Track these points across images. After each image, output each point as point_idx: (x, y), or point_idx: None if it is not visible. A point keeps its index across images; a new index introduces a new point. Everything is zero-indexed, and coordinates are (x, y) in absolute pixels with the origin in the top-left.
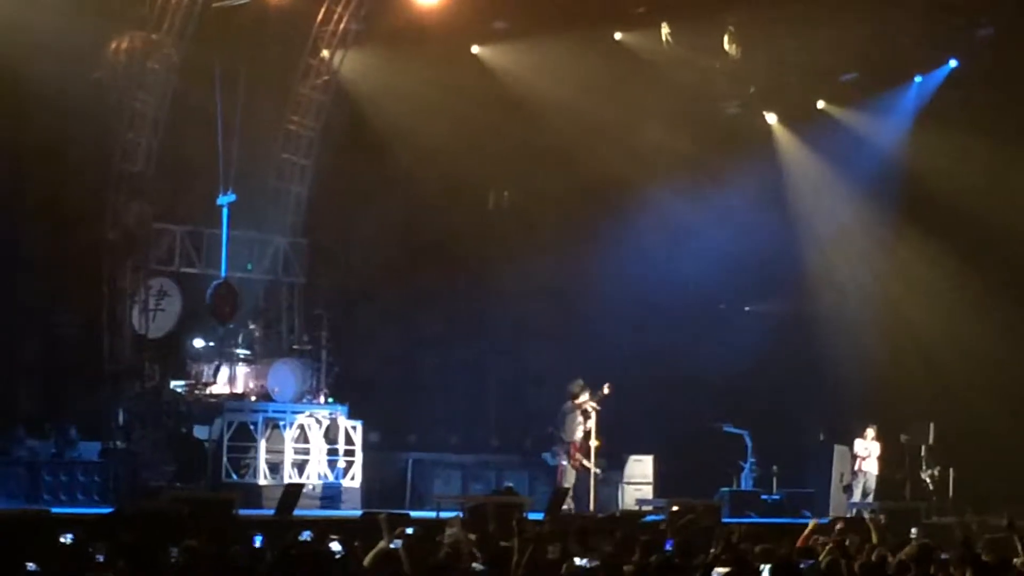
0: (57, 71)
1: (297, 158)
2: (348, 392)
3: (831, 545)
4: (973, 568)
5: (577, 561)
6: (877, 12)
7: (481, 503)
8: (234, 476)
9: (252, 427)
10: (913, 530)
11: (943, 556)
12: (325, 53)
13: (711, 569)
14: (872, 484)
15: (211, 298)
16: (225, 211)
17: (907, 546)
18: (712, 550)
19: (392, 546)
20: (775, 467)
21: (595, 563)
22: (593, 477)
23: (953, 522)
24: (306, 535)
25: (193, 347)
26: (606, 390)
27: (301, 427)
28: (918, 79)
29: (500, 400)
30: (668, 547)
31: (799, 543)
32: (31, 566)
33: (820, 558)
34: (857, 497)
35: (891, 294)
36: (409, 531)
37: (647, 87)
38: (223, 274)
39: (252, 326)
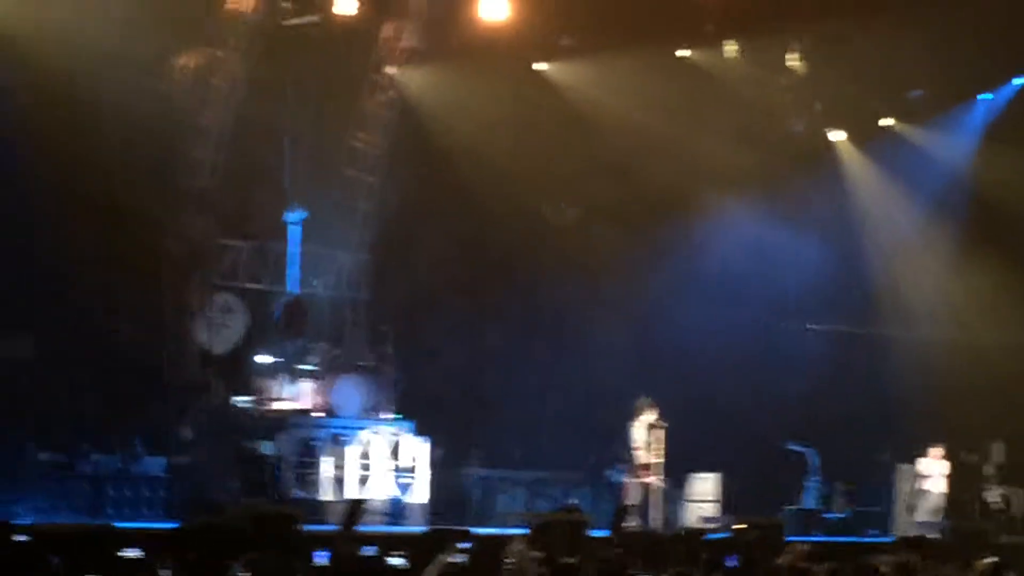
0: (123, 85)
1: (362, 174)
2: (413, 408)
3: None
4: None
5: None
6: (942, 29)
7: (545, 520)
8: (298, 492)
9: (316, 442)
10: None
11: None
12: (390, 69)
13: None
14: (938, 503)
15: (280, 314)
16: (297, 228)
17: (972, 566)
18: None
19: (452, 559)
20: (840, 485)
21: None
22: (661, 494)
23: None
24: (370, 550)
25: (257, 363)
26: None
27: (365, 443)
28: (986, 96)
29: (565, 416)
30: (730, 563)
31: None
32: None
33: None
34: (921, 516)
35: (958, 312)
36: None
37: (711, 104)
38: (295, 290)
39: (317, 342)
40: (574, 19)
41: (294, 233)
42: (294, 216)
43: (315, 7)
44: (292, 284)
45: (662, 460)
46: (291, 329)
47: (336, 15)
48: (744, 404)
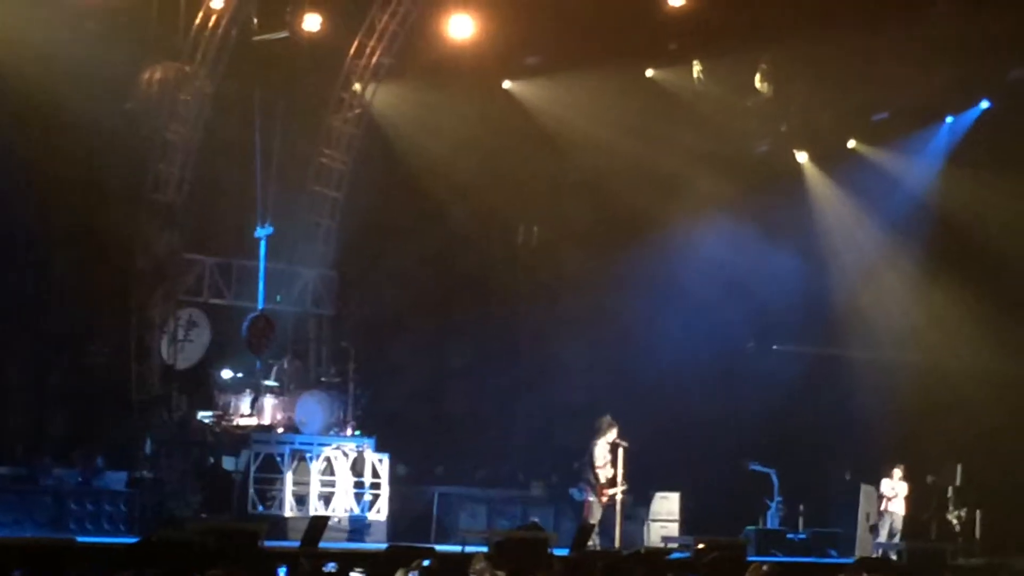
0: (90, 100)
1: (329, 191)
2: (376, 425)
3: None
4: None
5: None
6: (909, 52)
7: (507, 538)
8: (260, 507)
9: (279, 459)
10: None
11: None
12: (357, 86)
13: None
14: (899, 525)
15: (247, 330)
16: (263, 244)
17: None
18: None
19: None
20: (801, 506)
21: None
22: (619, 515)
23: (981, 564)
24: (331, 567)
25: (221, 378)
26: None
27: (328, 459)
28: (950, 119)
29: (528, 434)
30: None
31: None
32: None
33: None
34: (883, 537)
35: (920, 334)
36: (426, 563)
37: (678, 124)
38: (260, 306)
39: (281, 358)
40: (540, 38)
41: (263, 250)
42: (262, 232)
43: (283, 23)
44: (260, 300)
45: (624, 486)
46: (257, 345)
47: (304, 32)
48: (707, 424)
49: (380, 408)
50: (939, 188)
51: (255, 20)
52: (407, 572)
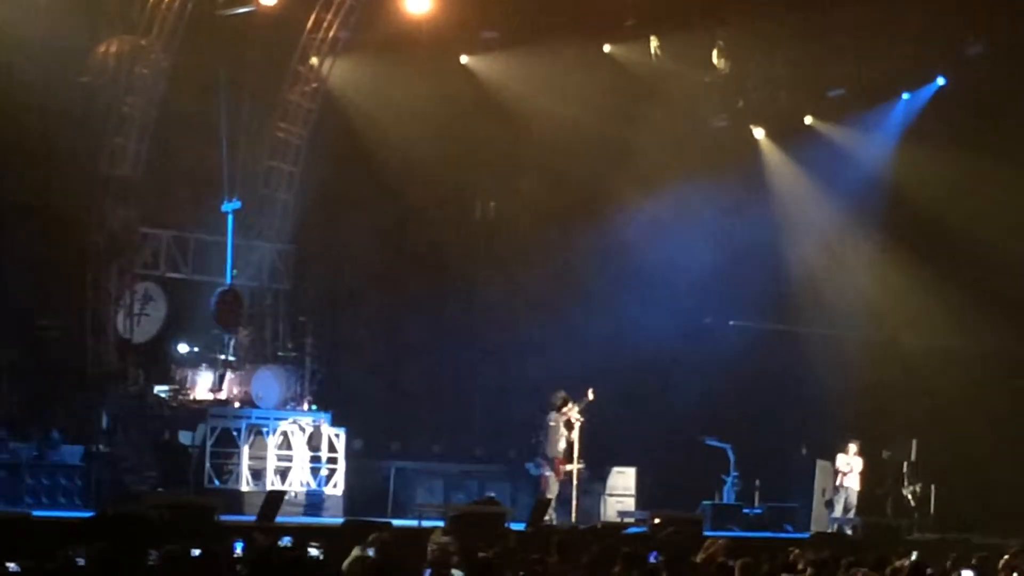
0: (45, 73)
1: (285, 165)
2: (332, 399)
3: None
4: None
5: None
6: (866, 29)
7: (463, 512)
8: (216, 482)
9: (235, 433)
10: (914, 554)
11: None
12: (314, 60)
13: None
14: (854, 500)
15: (216, 304)
16: (230, 218)
17: (888, 562)
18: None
19: (368, 552)
20: (757, 481)
21: None
22: (576, 489)
23: (935, 539)
24: (286, 541)
25: (177, 352)
26: (590, 395)
27: (284, 434)
28: (906, 96)
29: (485, 409)
30: (652, 559)
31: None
32: (12, 567)
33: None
34: (839, 512)
35: (875, 309)
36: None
37: (635, 99)
38: (228, 280)
39: (239, 332)
40: (498, 13)
41: (230, 224)
42: (228, 206)
43: None
44: (228, 275)
45: (580, 464)
46: (227, 319)
47: (262, 5)
48: (664, 399)
49: (337, 383)
50: (895, 164)
51: None
52: (364, 549)
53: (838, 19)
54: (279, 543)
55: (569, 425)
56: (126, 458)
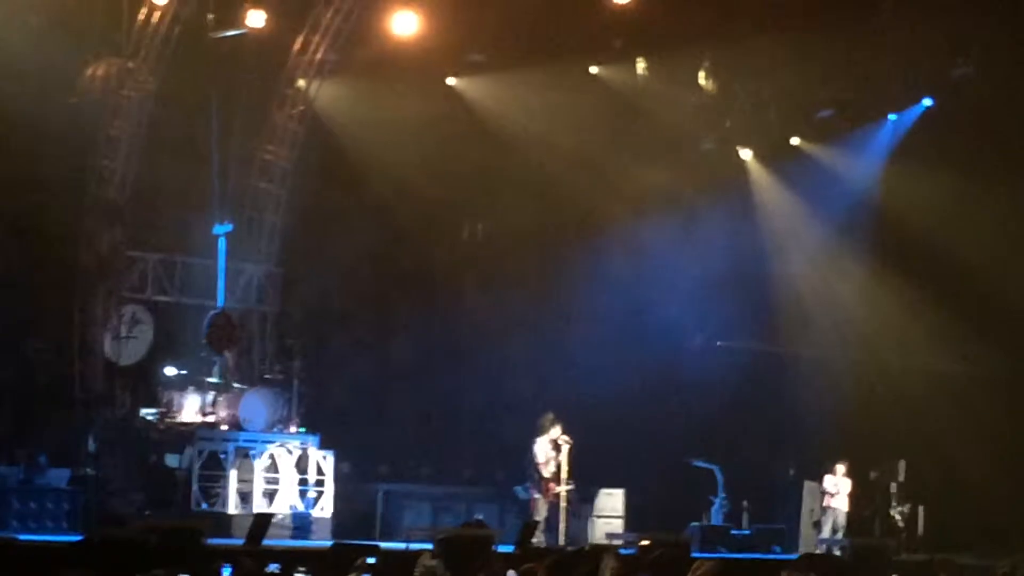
0: (32, 96)
1: (272, 187)
2: (320, 422)
3: None
4: None
5: None
6: (853, 50)
7: (451, 535)
8: (204, 505)
9: (223, 456)
10: None
11: None
12: (301, 83)
13: None
14: (842, 521)
15: (208, 328)
16: (222, 241)
17: None
18: None
19: None
20: (745, 502)
21: None
22: (564, 512)
23: (923, 560)
24: (274, 567)
25: (164, 375)
26: (564, 446)
27: (272, 456)
28: (892, 117)
29: (472, 431)
30: None
31: None
32: None
33: None
34: (826, 533)
35: (863, 330)
36: (371, 561)
37: (622, 121)
38: (220, 303)
39: (225, 354)
40: (484, 34)
41: (222, 247)
42: (220, 229)
43: (237, 21)
44: (220, 297)
45: (570, 486)
46: (219, 343)
47: (249, 28)
48: (652, 420)
49: (324, 405)
50: (882, 185)
51: (211, 17)
52: (359, 574)
53: (825, 40)
54: (267, 569)
55: (557, 447)
56: (113, 481)
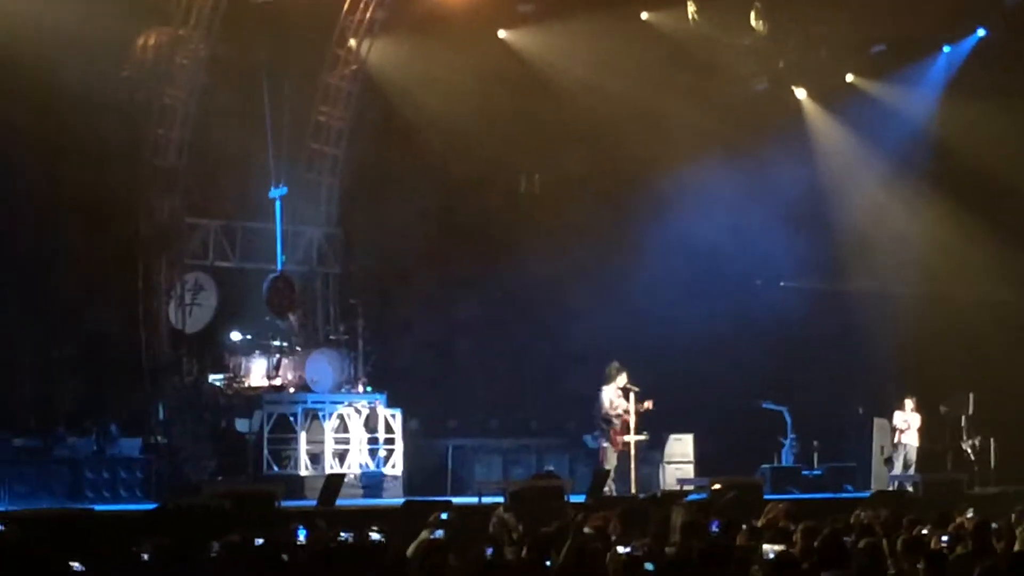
0: (86, 68)
1: (328, 148)
2: (386, 380)
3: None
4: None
5: (619, 549)
6: None
7: (522, 487)
8: (275, 468)
9: (292, 418)
10: (970, 512)
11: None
12: (352, 42)
13: (760, 548)
14: (913, 456)
15: (268, 292)
16: (278, 204)
17: (950, 519)
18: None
19: (434, 536)
20: (815, 442)
21: (639, 550)
22: (634, 459)
23: (997, 492)
24: (346, 536)
25: (230, 340)
26: (648, 405)
27: (340, 417)
28: (947, 49)
29: (539, 383)
30: (714, 528)
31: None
32: (76, 566)
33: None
34: (898, 470)
35: (926, 265)
36: (444, 516)
37: (674, 66)
38: (279, 267)
39: (290, 317)
40: None
41: (279, 210)
42: (276, 192)
43: None
44: (279, 261)
45: (643, 437)
46: (280, 306)
47: None
48: (718, 364)
49: (390, 364)
50: (939, 118)
51: None
52: (431, 532)
53: None
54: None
55: (625, 395)
56: (184, 448)
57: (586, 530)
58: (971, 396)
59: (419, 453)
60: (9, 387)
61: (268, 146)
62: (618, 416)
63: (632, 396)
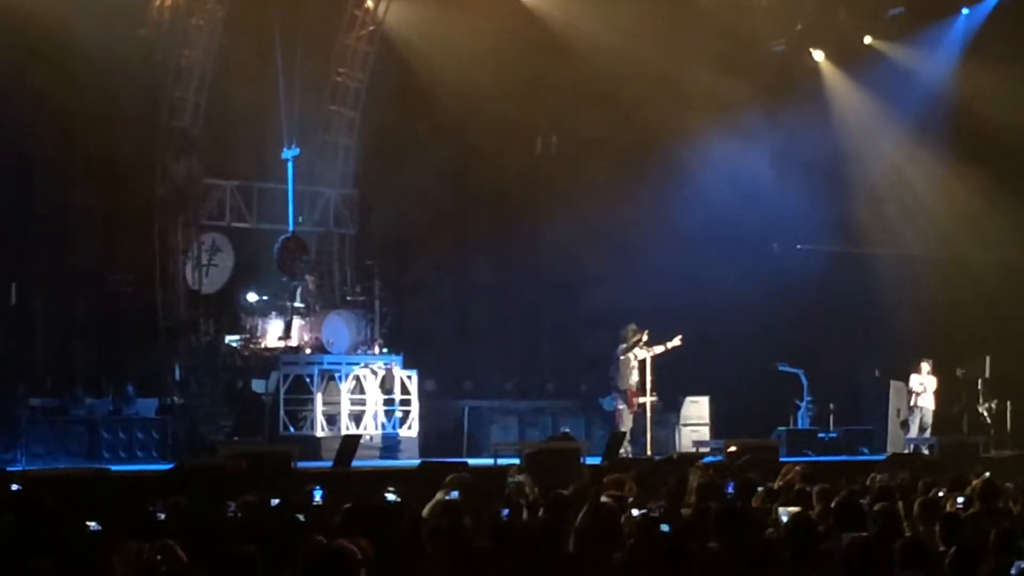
0: (102, 30)
1: (345, 110)
2: (402, 342)
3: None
4: None
5: (635, 512)
6: None
7: (538, 449)
8: (291, 429)
9: (308, 379)
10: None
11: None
12: (370, 3)
13: (775, 510)
14: (929, 419)
15: (279, 252)
16: (290, 165)
17: (967, 483)
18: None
19: (449, 496)
20: (831, 405)
21: (654, 511)
22: (650, 421)
23: (1013, 455)
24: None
25: (246, 301)
26: (677, 341)
27: (357, 378)
28: (965, 11)
29: (555, 345)
30: (729, 490)
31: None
32: (93, 525)
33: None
34: (914, 432)
35: (943, 228)
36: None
37: (692, 28)
38: (291, 227)
39: (306, 278)
40: None
41: (291, 171)
42: (288, 153)
43: None
44: (291, 222)
45: (654, 397)
46: (291, 267)
47: None
48: (734, 326)
49: (406, 325)
50: (958, 81)
51: None
52: (447, 492)
53: None
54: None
55: (640, 357)
56: (200, 409)
57: (603, 499)
58: (987, 359)
59: (435, 415)
60: (26, 347)
61: (281, 106)
62: (633, 378)
63: (648, 358)
